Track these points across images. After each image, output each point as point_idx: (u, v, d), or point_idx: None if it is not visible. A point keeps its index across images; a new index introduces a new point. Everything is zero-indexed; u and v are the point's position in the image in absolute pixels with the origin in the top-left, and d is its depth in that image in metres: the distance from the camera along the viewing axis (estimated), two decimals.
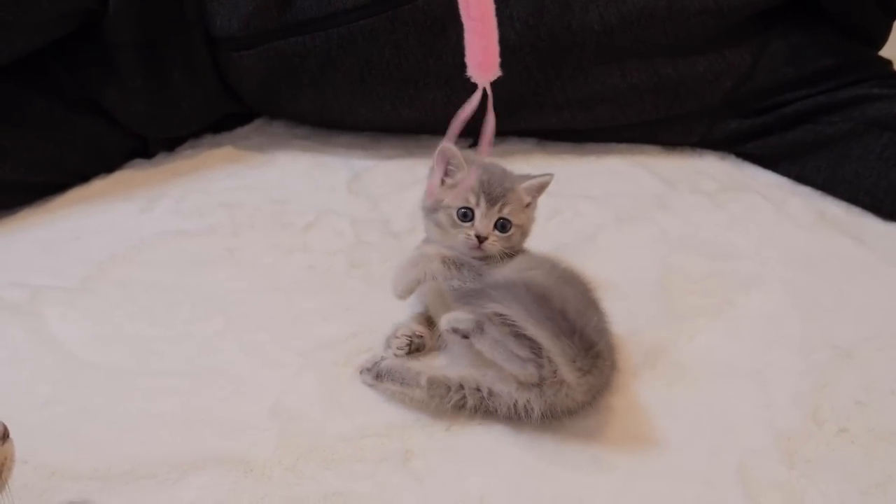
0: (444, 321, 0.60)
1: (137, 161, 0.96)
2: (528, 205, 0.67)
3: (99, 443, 0.61)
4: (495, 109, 0.92)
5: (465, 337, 0.60)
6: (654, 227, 0.84)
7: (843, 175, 0.86)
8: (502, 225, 0.65)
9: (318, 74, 0.89)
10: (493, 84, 0.88)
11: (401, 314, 0.72)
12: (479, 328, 0.59)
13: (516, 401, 0.59)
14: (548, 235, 0.73)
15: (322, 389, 0.65)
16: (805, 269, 0.77)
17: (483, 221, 0.65)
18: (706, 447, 0.60)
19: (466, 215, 0.65)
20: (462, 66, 0.88)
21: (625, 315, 0.66)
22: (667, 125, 0.95)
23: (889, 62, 0.91)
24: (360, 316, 0.72)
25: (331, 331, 0.71)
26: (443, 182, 0.68)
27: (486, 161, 0.68)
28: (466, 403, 0.61)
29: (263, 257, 0.80)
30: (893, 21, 0.92)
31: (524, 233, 0.67)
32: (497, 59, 0.62)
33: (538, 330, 0.57)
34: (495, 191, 0.65)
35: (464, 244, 0.65)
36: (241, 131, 1.00)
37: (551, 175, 0.68)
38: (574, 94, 0.92)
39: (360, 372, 0.65)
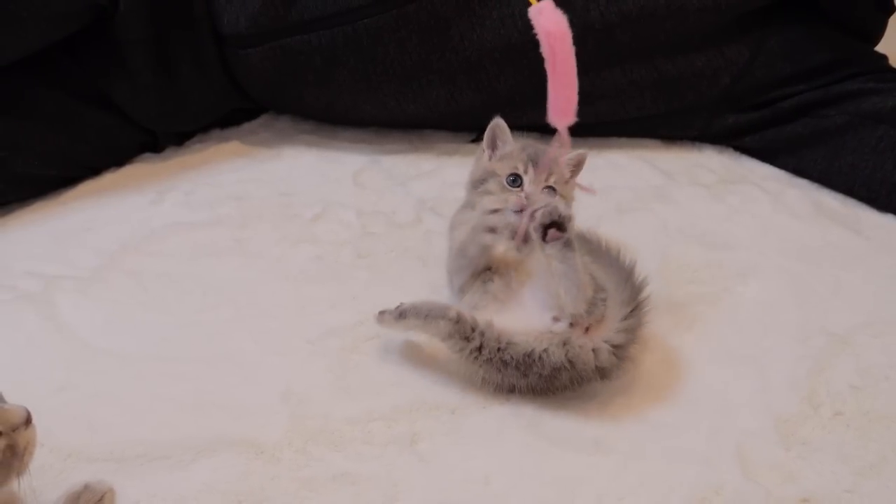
0: (544, 210, 0.62)
1: (147, 155, 0.97)
2: (568, 180, 0.71)
3: (113, 426, 0.63)
4: (501, 106, 0.95)
5: (561, 229, 0.61)
6: (655, 218, 0.85)
7: (839, 167, 0.86)
8: (550, 192, 0.69)
9: (324, 71, 0.91)
10: (498, 80, 0.92)
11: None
12: (569, 243, 0.61)
13: (533, 349, 0.60)
14: None
15: (330, 375, 0.67)
16: (801, 258, 0.78)
17: (531, 186, 0.68)
18: (705, 429, 0.61)
19: (516, 181, 0.69)
20: (464, 64, 0.91)
21: None
22: (666, 119, 0.96)
23: (884, 57, 0.92)
24: (366, 304, 0.73)
25: (338, 318, 0.72)
26: (490, 157, 0.72)
27: (531, 141, 0.73)
28: (481, 353, 0.61)
29: (272, 248, 0.82)
30: (888, 17, 0.93)
31: (568, 204, 0.70)
32: (575, 107, 0.66)
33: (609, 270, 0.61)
34: (543, 160, 0.70)
35: (514, 205, 0.67)
36: (247, 126, 1.02)
37: (586, 151, 0.72)
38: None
39: (380, 314, 0.64)
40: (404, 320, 0.64)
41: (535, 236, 0.63)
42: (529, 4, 0.65)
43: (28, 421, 0.47)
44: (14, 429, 0.46)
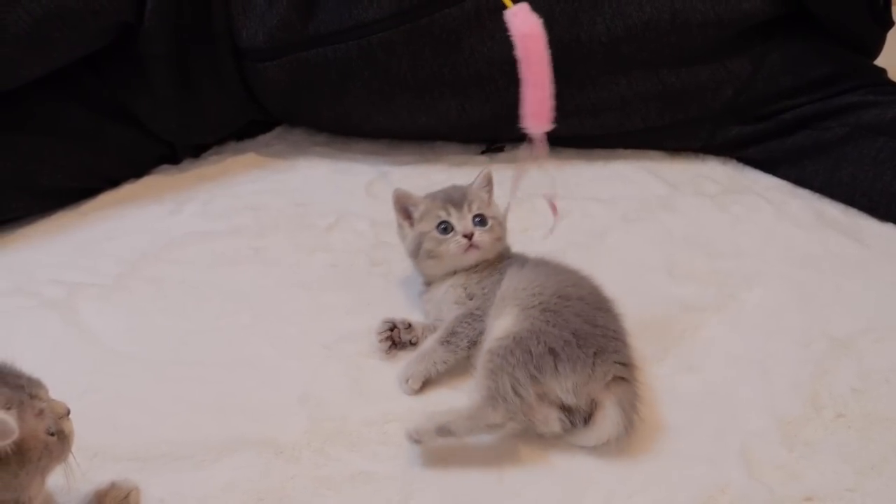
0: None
1: (165, 166, 1.00)
2: (489, 202, 0.72)
3: (137, 427, 0.65)
4: (510, 117, 0.96)
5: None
6: (660, 227, 0.86)
7: (839, 178, 0.88)
8: (480, 220, 0.70)
9: (339, 84, 0.93)
10: (507, 92, 0.92)
11: (419, 309, 0.75)
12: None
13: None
14: (559, 235, 0.76)
15: (347, 378, 0.69)
16: (804, 266, 0.80)
17: (462, 223, 0.70)
18: (710, 430, 0.63)
19: (446, 228, 0.70)
20: (475, 76, 0.93)
21: (633, 310, 0.68)
22: (671, 131, 0.97)
23: (883, 70, 0.93)
24: (380, 310, 0.75)
25: (353, 324, 0.74)
26: (410, 223, 0.73)
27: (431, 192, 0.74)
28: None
29: (288, 256, 0.84)
30: (886, 31, 0.94)
31: (501, 223, 0.72)
32: (551, 113, 0.66)
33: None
34: (455, 197, 0.71)
35: (458, 250, 0.69)
36: (263, 138, 1.05)
37: (489, 168, 0.74)
38: (582, 102, 0.94)
39: (413, 433, 0.60)
40: (446, 437, 0.60)
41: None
42: (505, 7, 0.66)
43: (68, 412, 0.51)
44: (60, 417, 0.50)
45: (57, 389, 0.65)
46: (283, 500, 0.59)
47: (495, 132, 0.99)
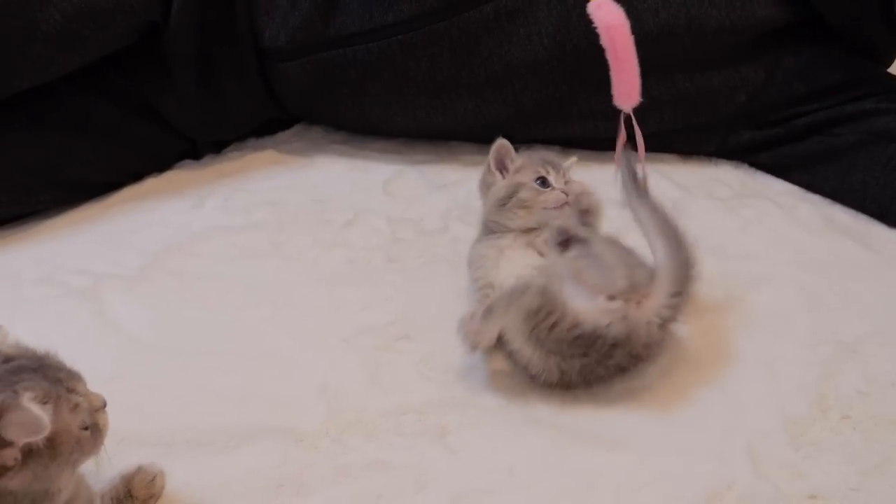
0: (553, 230, 0.67)
1: (186, 162, 1.02)
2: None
3: (161, 414, 0.67)
4: (525, 119, 1.00)
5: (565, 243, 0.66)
6: None
7: (850, 184, 0.88)
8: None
9: (358, 84, 0.95)
10: (523, 94, 0.95)
11: (437, 304, 0.77)
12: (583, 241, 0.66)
13: (598, 324, 0.62)
14: None
15: (364, 371, 0.71)
16: (813, 270, 0.80)
17: (558, 182, 0.74)
18: (718, 429, 0.64)
19: (544, 182, 0.73)
20: (492, 79, 0.95)
21: None
22: (684, 135, 0.98)
23: None
24: (397, 306, 0.77)
25: (371, 319, 0.76)
26: (503, 175, 0.76)
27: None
28: (554, 330, 0.63)
29: (307, 251, 0.86)
30: None
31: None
32: (639, 90, 0.71)
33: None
34: (554, 161, 0.75)
35: (556, 202, 0.72)
36: (282, 136, 1.06)
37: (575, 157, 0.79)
38: (597, 105, 0.95)
39: (465, 329, 0.64)
40: (491, 314, 0.64)
41: (552, 250, 0.68)
42: (588, 0, 0.70)
43: (105, 405, 0.52)
44: (96, 410, 0.51)
45: (84, 376, 0.68)
46: (303, 487, 0.61)
47: (510, 133, 0.99)
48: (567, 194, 0.73)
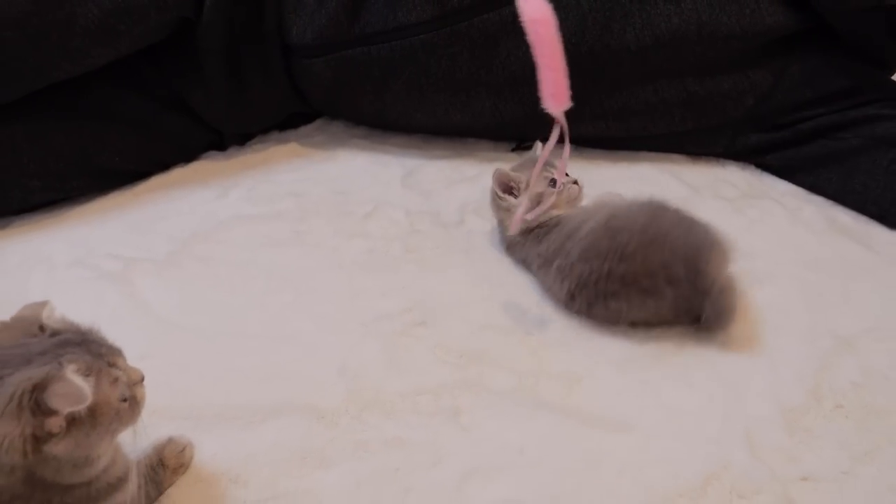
0: None
1: (212, 153, 1.05)
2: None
3: (190, 390, 0.70)
4: (540, 118, 0.99)
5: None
6: None
7: (852, 186, 0.91)
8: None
9: (380, 81, 0.97)
10: (538, 94, 0.97)
11: (452, 292, 0.80)
12: None
13: None
14: None
15: (382, 354, 0.74)
16: (814, 268, 0.83)
17: (561, 175, 0.80)
18: (718, 415, 0.67)
19: (554, 182, 0.80)
20: (509, 78, 0.97)
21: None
22: (693, 137, 1.00)
23: None
24: (414, 293, 0.81)
25: (388, 305, 0.79)
26: (515, 196, 0.82)
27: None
28: None
29: (328, 240, 0.89)
30: None
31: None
32: (567, 92, 0.70)
33: None
34: (549, 161, 0.81)
35: (577, 192, 0.83)
36: (304, 129, 1.09)
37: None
38: (610, 107, 0.98)
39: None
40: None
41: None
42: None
43: (143, 379, 0.56)
44: (134, 384, 0.54)
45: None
46: (325, 460, 0.64)
47: (525, 131, 1.03)
48: (575, 181, 0.82)
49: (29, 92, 0.90)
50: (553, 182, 0.80)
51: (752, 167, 1.01)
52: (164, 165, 1.02)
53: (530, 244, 0.81)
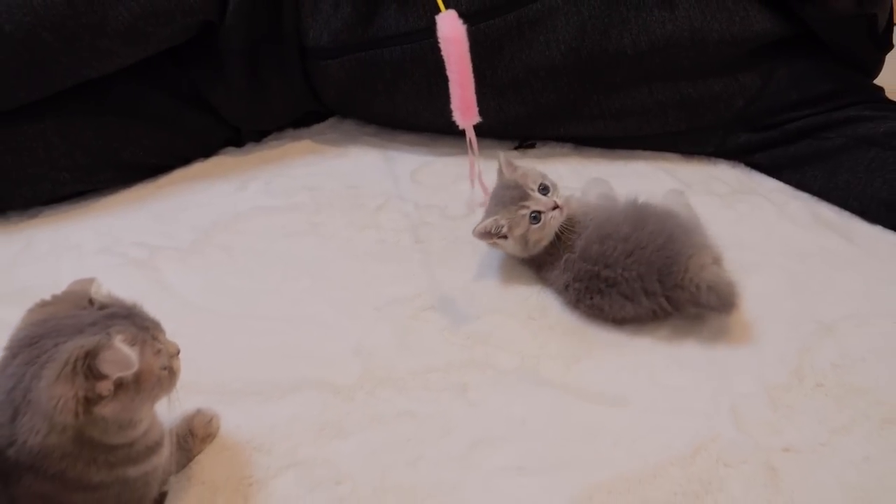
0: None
1: (230, 149, 1.10)
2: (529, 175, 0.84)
3: (215, 368, 0.75)
4: (541, 118, 1.06)
5: None
6: None
7: (836, 183, 0.95)
8: (544, 189, 0.82)
9: (391, 82, 1.02)
10: (541, 95, 1.02)
11: (458, 280, 0.85)
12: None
13: None
14: None
15: (394, 336, 0.79)
16: (799, 259, 0.88)
17: (539, 203, 0.81)
18: (706, 391, 0.72)
19: (536, 217, 0.80)
20: (513, 80, 1.02)
21: None
22: (686, 136, 1.04)
23: (881, 89, 1.00)
24: (423, 281, 0.86)
25: (399, 291, 0.84)
26: (506, 238, 0.82)
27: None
28: None
29: (341, 231, 0.94)
30: (885, 54, 1.01)
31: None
32: (475, 107, 0.72)
33: None
34: (516, 195, 0.82)
35: (560, 217, 0.80)
36: (317, 127, 1.14)
37: (501, 154, 0.86)
38: (607, 107, 1.02)
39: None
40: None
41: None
42: (439, 11, 0.72)
43: (179, 352, 0.61)
44: (172, 356, 0.59)
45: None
46: (341, 431, 0.69)
47: (528, 130, 1.08)
48: (554, 206, 0.80)
49: (60, 89, 0.95)
50: (535, 216, 0.80)
51: (742, 165, 1.05)
52: (185, 160, 1.07)
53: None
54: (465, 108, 0.72)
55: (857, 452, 0.67)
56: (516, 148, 1.10)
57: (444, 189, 1.01)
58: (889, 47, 1.02)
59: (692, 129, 1.04)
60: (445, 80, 1.00)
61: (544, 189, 0.82)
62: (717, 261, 0.79)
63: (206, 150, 1.08)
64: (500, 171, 0.85)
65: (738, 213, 0.96)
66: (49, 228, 0.96)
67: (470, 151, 0.76)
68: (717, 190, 1.01)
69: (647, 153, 1.08)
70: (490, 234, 0.82)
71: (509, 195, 0.81)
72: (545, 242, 0.81)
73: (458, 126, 1.06)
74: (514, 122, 1.05)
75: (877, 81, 1.03)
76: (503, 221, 0.81)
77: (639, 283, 0.77)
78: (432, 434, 0.69)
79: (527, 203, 0.80)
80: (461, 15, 0.97)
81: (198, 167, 1.07)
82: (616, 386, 0.73)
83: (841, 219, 0.95)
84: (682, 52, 0.98)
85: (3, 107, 0.94)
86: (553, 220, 0.80)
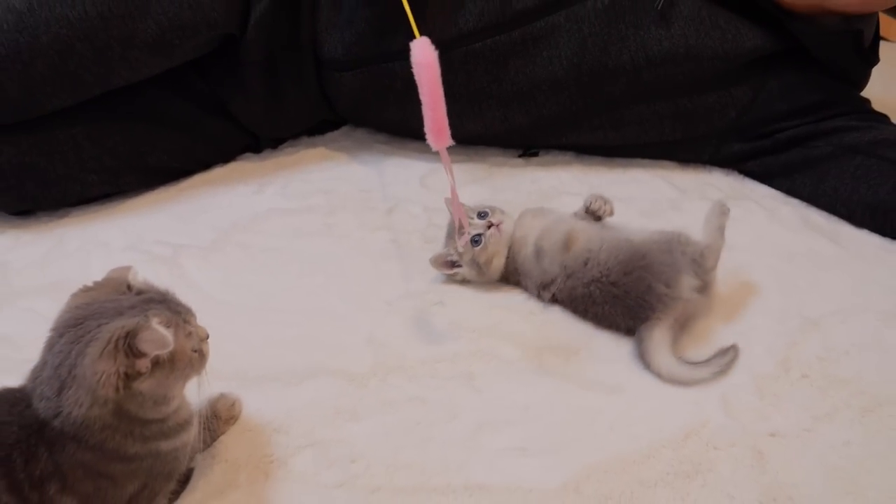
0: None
1: (248, 154, 1.16)
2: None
3: (236, 356, 0.79)
4: (544, 128, 1.11)
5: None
6: (668, 224, 0.94)
7: (824, 189, 0.99)
8: (482, 214, 0.88)
9: (403, 93, 1.06)
10: (544, 106, 1.07)
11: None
12: None
13: None
14: None
15: (404, 328, 0.84)
16: (788, 260, 0.92)
17: (478, 226, 0.87)
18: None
19: (477, 241, 0.86)
20: (517, 92, 1.07)
21: None
22: (682, 145, 1.09)
23: (867, 101, 1.05)
24: (432, 278, 0.90)
25: (409, 287, 0.89)
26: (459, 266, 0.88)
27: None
28: None
29: (354, 232, 0.99)
30: (871, 67, 1.06)
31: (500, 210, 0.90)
32: (447, 130, 0.75)
33: None
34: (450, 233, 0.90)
35: (498, 237, 0.86)
36: (331, 135, 1.20)
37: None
38: (607, 118, 1.07)
39: None
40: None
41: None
42: (414, 37, 0.76)
43: (208, 337, 0.65)
44: (202, 340, 0.64)
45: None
46: (355, 415, 0.74)
47: (532, 139, 1.13)
48: (490, 224, 0.86)
49: (90, 97, 1.01)
50: (476, 239, 0.85)
51: (736, 172, 1.09)
52: (205, 165, 1.12)
53: None
54: (437, 130, 0.75)
55: (839, 438, 0.71)
56: (520, 156, 1.15)
57: None
58: (875, 61, 1.06)
59: (688, 139, 1.08)
60: (453, 91, 1.00)
61: (482, 215, 0.88)
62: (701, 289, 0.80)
63: (226, 155, 1.14)
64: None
65: (730, 217, 0.97)
66: (78, 227, 1.02)
67: (448, 173, 0.79)
68: (711, 195, 1.05)
69: (646, 161, 1.12)
70: (446, 265, 0.88)
71: (453, 228, 0.88)
72: (498, 262, 0.87)
73: (466, 135, 1.12)
74: (518, 132, 1.10)
75: (864, 94, 1.07)
76: (451, 250, 0.88)
77: (604, 321, 0.82)
78: (440, 418, 0.73)
79: (466, 230, 0.86)
80: (470, 32, 1.04)
81: (218, 172, 1.13)
82: (612, 376, 0.77)
83: (829, 223, 0.99)
84: (677, 68, 1.02)
85: (36, 112, 0.99)
86: (493, 238, 0.86)
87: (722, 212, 0.82)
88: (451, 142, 0.77)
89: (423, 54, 0.75)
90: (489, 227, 0.86)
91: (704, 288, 0.80)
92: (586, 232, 0.85)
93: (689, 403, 0.74)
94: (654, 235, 0.82)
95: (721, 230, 0.81)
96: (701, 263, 0.79)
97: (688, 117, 1.06)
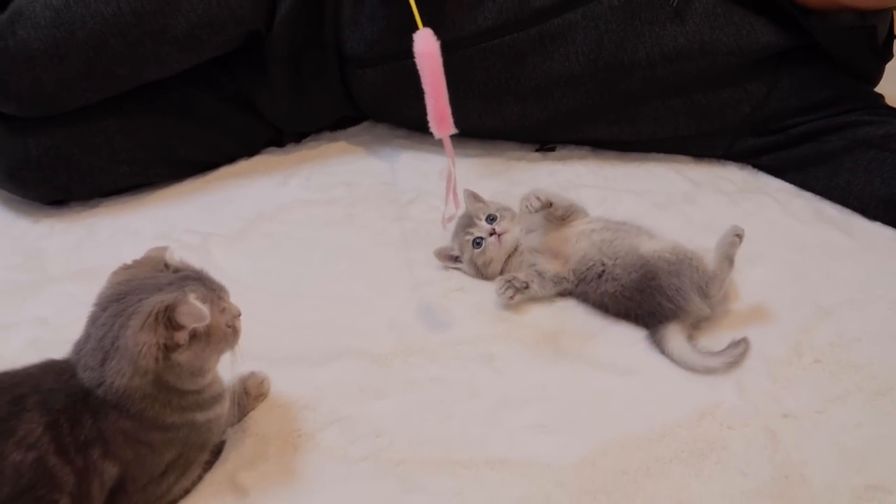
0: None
1: (272, 148, 1.19)
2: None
3: (264, 337, 0.80)
4: (561, 123, 1.12)
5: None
6: (682, 216, 1.01)
7: (837, 183, 1.01)
8: (491, 218, 0.90)
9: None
10: (561, 102, 1.10)
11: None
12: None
13: None
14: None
15: (426, 312, 0.86)
16: (801, 251, 0.94)
17: (481, 229, 0.89)
18: None
19: (479, 242, 0.88)
20: (535, 88, 1.09)
21: None
22: (696, 140, 1.11)
23: (881, 96, 1.06)
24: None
25: (430, 274, 0.92)
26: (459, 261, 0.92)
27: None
28: None
29: (376, 223, 1.02)
30: (885, 63, 1.08)
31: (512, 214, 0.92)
32: (450, 119, 0.76)
33: None
34: (465, 221, 0.91)
35: (494, 247, 0.88)
36: (352, 130, 1.23)
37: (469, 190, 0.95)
38: (623, 113, 1.09)
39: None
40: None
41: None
42: (417, 28, 0.77)
43: (240, 314, 0.68)
44: (235, 316, 0.67)
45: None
46: (380, 393, 0.77)
47: (548, 134, 1.16)
48: (492, 233, 0.88)
49: (122, 91, 1.04)
50: (478, 242, 0.88)
51: (749, 167, 1.11)
52: (231, 158, 1.15)
53: None
54: (439, 118, 0.76)
55: (850, 419, 0.73)
56: (537, 150, 1.17)
57: (470, 186, 1.06)
58: (889, 57, 1.08)
59: (702, 134, 1.10)
60: (472, 87, 1.08)
61: (491, 219, 0.89)
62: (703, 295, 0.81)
63: (251, 149, 1.17)
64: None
65: (744, 210, 1.03)
66: (109, 217, 1.06)
67: (449, 163, 0.81)
68: (725, 189, 1.07)
69: (661, 155, 1.14)
70: (448, 258, 0.91)
71: (461, 223, 0.91)
72: (495, 266, 0.89)
73: (484, 130, 1.16)
74: (535, 127, 1.13)
75: (877, 90, 1.09)
76: (454, 245, 0.90)
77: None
78: (462, 396, 0.76)
79: (471, 230, 0.89)
80: (488, 29, 1.06)
81: (243, 164, 1.16)
82: (628, 359, 0.80)
83: (842, 216, 1.00)
84: (692, 63, 1.04)
85: (71, 105, 1.03)
86: (492, 246, 0.87)
87: (732, 242, 0.81)
88: (454, 130, 0.78)
89: (425, 44, 0.77)
90: (490, 234, 0.88)
91: (717, 302, 0.82)
92: (589, 238, 0.86)
93: (703, 386, 0.76)
94: (666, 254, 0.82)
95: (730, 260, 0.81)
96: (706, 291, 0.80)
97: (702, 113, 1.08)
